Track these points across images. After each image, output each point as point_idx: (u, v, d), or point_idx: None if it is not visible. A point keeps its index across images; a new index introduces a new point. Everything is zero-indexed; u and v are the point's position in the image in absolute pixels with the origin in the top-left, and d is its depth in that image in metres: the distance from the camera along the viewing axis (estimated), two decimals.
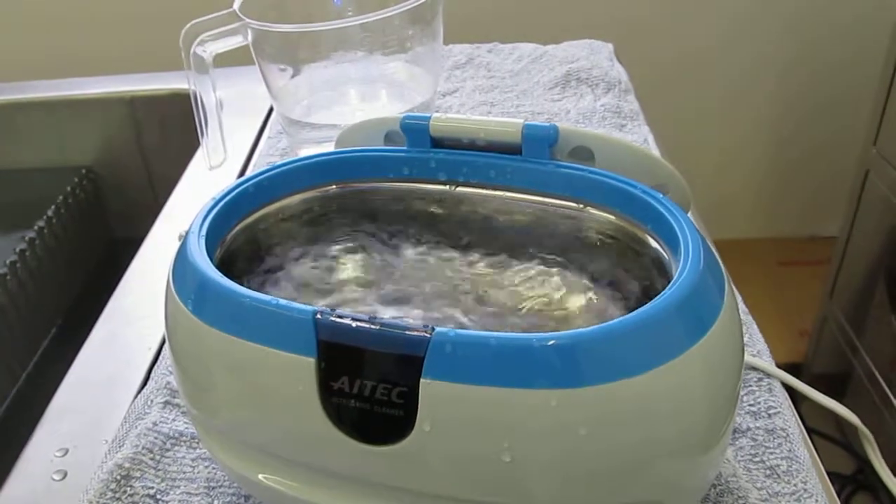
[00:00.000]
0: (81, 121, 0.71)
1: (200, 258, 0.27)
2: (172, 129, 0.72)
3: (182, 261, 0.28)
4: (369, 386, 0.24)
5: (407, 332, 0.23)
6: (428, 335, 0.23)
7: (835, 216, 1.10)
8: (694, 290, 0.24)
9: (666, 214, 0.28)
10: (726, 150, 1.18)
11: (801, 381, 1.16)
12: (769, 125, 1.16)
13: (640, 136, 0.58)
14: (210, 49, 0.51)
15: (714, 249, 0.27)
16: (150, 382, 0.39)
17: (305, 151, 0.56)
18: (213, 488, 0.33)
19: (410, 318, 0.31)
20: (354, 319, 0.24)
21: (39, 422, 0.37)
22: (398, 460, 0.24)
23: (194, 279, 0.26)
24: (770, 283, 1.08)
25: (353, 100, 0.57)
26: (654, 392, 0.23)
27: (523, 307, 0.30)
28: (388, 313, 0.31)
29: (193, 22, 0.50)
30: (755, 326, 0.41)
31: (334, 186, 0.33)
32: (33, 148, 0.72)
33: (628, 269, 0.30)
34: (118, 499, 0.33)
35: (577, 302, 0.30)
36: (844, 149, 1.08)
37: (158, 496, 0.33)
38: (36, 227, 0.65)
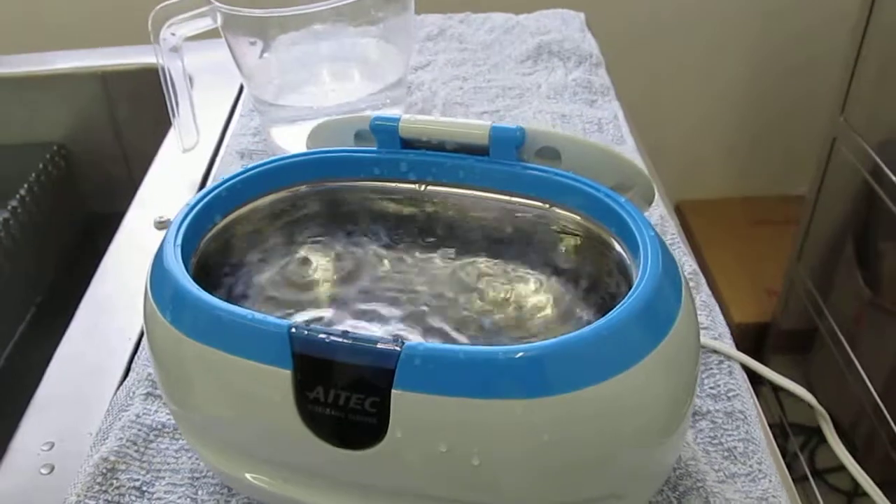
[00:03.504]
0: (52, 96, 0.70)
1: (177, 269, 0.27)
2: (145, 104, 0.71)
3: (159, 270, 0.28)
4: (343, 396, 0.25)
5: (378, 346, 0.24)
6: (398, 349, 0.24)
7: (806, 176, 1.12)
8: (653, 296, 0.25)
9: (626, 218, 0.29)
10: (698, 112, 1.19)
11: (768, 340, 1.19)
12: (741, 87, 1.17)
13: (609, 112, 0.58)
14: (179, 33, 0.51)
15: (671, 253, 0.28)
16: (131, 373, 0.40)
17: (277, 131, 0.56)
18: (197, 479, 0.35)
19: (380, 317, 0.32)
20: (328, 334, 0.25)
21: (24, 414, 0.38)
22: (372, 462, 0.25)
23: (172, 290, 0.27)
24: (741, 243, 1.10)
25: (325, 79, 0.57)
26: (617, 397, 0.24)
27: (490, 307, 0.31)
28: (357, 315, 0.32)
29: (162, 5, 0.50)
30: (717, 309, 0.42)
31: (305, 187, 0.34)
32: (3, 124, 0.71)
33: (591, 268, 0.31)
34: (105, 491, 0.34)
35: (541, 301, 0.31)
36: (815, 111, 1.09)
37: (144, 488, 0.34)
38: (9, 207, 0.65)
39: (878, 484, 0.40)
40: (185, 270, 0.28)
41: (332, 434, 0.25)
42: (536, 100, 0.60)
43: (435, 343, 0.28)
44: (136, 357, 0.41)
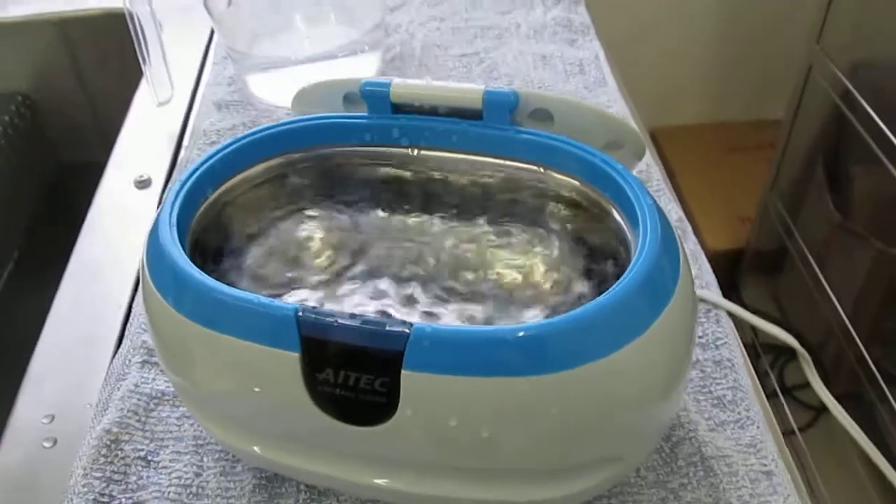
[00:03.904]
0: (10, 46, 0.67)
1: (178, 253, 0.27)
2: (109, 49, 0.69)
3: (157, 252, 0.28)
4: (353, 377, 0.25)
5: (387, 329, 0.24)
6: (407, 331, 0.24)
7: (779, 102, 1.12)
8: (653, 268, 0.26)
9: (624, 185, 0.29)
10: (674, 37, 1.18)
11: (742, 265, 1.21)
12: (715, 12, 1.16)
13: (590, 53, 0.58)
14: None
15: (668, 220, 0.28)
16: (125, 341, 0.40)
17: (253, 79, 0.55)
18: (201, 446, 0.35)
19: (379, 285, 0.32)
20: (335, 317, 0.25)
21: (20, 387, 0.38)
22: (382, 437, 0.26)
23: (173, 275, 0.27)
24: (715, 170, 1.11)
25: (299, 25, 0.55)
26: (622, 369, 0.25)
27: (488, 274, 0.31)
28: (360, 285, 0.32)
29: None
30: (703, 257, 0.43)
31: (296, 154, 0.34)
32: None
33: (588, 234, 0.31)
34: (111, 462, 0.34)
35: (539, 268, 0.32)
36: (789, 36, 1.09)
37: (149, 457, 0.35)
38: None
39: (844, 396, 0.42)
40: (184, 254, 0.27)
41: (342, 412, 0.26)
42: (516, 40, 0.59)
43: (442, 324, 0.28)
44: (128, 324, 0.40)
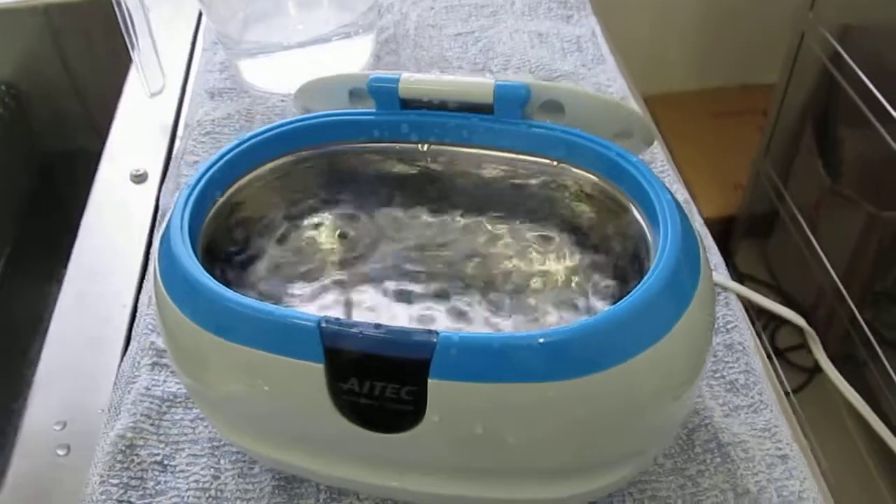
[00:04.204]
0: None
1: (193, 265, 0.27)
2: (95, 36, 0.68)
3: (171, 265, 0.27)
4: (378, 386, 0.25)
5: (413, 338, 0.24)
6: (433, 340, 0.24)
7: (766, 64, 1.12)
8: (676, 268, 0.26)
9: (641, 180, 0.29)
10: (659, 2, 1.17)
11: (735, 232, 1.21)
12: None
13: (587, 29, 0.57)
14: None
15: (690, 218, 0.28)
16: (132, 343, 0.39)
17: (246, 66, 0.54)
18: (217, 448, 0.35)
19: (398, 286, 0.32)
20: (359, 327, 0.25)
21: (30, 394, 0.37)
22: (408, 443, 0.26)
23: (190, 287, 0.26)
24: (706, 136, 1.11)
25: (290, 9, 0.54)
26: (646, 370, 0.25)
27: (506, 272, 0.31)
28: (376, 284, 0.32)
29: None
30: (710, 238, 0.43)
31: (305, 153, 0.33)
32: None
33: (607, 230, 0.31)
34: (127, 468, 0.34)
35: (556, 266, 0.31)
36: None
37: (165, 462, 0.35)
38: None
39: (836, 357, 0.43)
40: (199, 265, 0.27)
41: (366, 420, 0.26)
42: (511, 18, 0.58)
43: (469, 332, 0.28)
44: (134, 325, 0.40)
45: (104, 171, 0.49)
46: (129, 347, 0.39)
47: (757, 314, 1.20)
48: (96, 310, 0.41)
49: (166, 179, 0.48)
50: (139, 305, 0.41)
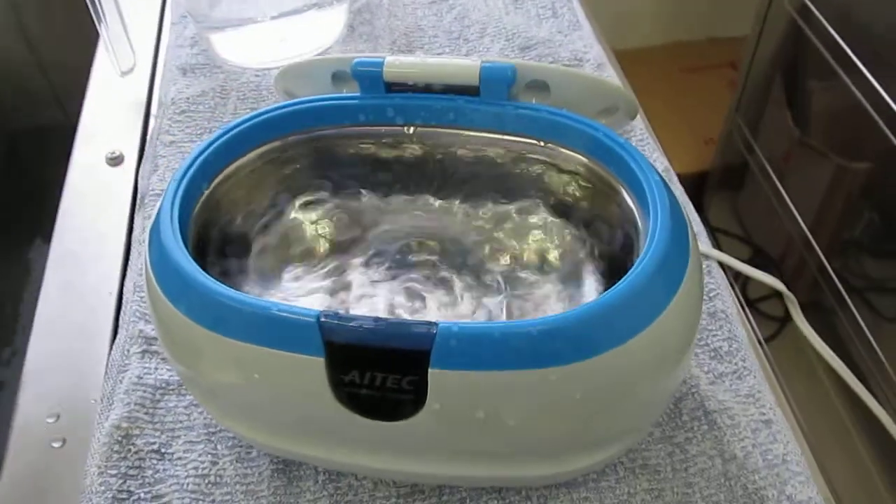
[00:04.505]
0: None
1: (187, 262, 0.26)
2: (55, 8, 0.66)
3: (163, 259, 0.27)
4: (379, 377, 0.25)
5: (412, 330, 0.25)
6: (433, 331, 0.24)
7: (734, 16, 1.12)
8: (666, 251, 0.26)
9: (629, 160, 0.29)
10: None
11: (708, 186, 1.22)
12: None
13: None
14: None
15: (677, 196, 0.29)
16: (120, 331, 0.39)
17: (217, 39, 0.53)
18: (213, 434, 0.35)
19: (391, 270, 0.32)
20: (358, 320, 0.25)
21: (20, 387, 0.37)
22: (408, 430, 0.26)
23: (185, 285, 0.26)
24: (675, 91, 1.11)
25: None
26: (641, 351, 0.25)
27: (497, 253, 0.32)
28: (365, 271, 0.32)
29: None
30: (691, 206, 0.43)
31: (291, 139, 0.33)
32: None
33: (596, 210, 0.31)
34: (125, 458, 0.34)
35: (547, 245, 0.32)
36: None
37: (163, 449, 0.35)
38: None
39: (805, 304, 0.44)
40: (192, 260, 0.27)
41: (368, 409, 0.26)
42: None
43: (467, 322, 0.28)
44: (121, 313, 0.40)
45: (79, 155, 0.48)
46: (118, 336, 0.39)
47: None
48: (80, 299, 0.41)
49: (143, 161, 0.47)
50: (124, 292, 0.41)
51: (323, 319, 0.25)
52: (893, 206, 0.86)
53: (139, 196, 0.45)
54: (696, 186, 1.10)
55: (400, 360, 0.25)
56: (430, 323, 0.24)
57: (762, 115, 1.06)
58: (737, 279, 1.16)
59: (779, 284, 0.42)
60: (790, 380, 1.01)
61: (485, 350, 0.24)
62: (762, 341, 1.09)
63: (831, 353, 0.44)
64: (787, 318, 1.10)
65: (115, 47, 0.49)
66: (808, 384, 1.01)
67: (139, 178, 0.46)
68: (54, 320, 0.40)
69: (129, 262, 0.42)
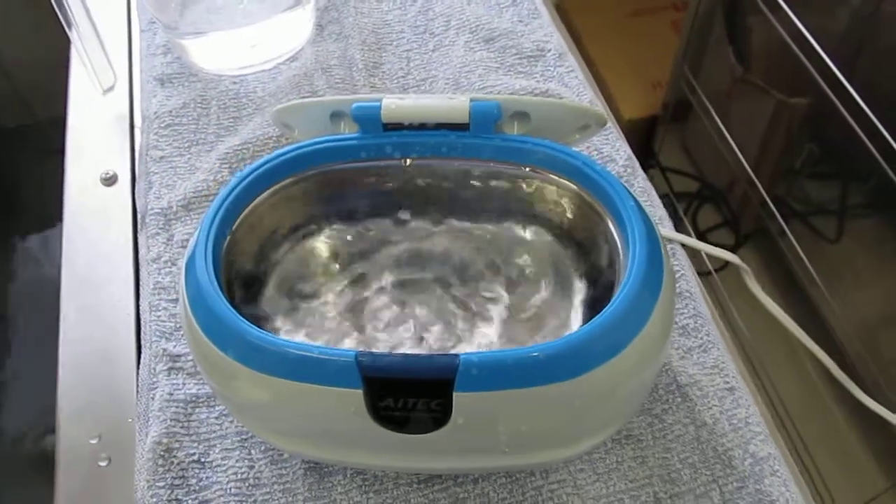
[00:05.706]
0: None
1: (229, 312, 0.30)
2: (12, 7, 0.65)
3: (203, 307, 0.31)
4: (411, 402, 0.29)
5: (438, 362, 0.29)
6: (456, 363, 0.28)
7: None
8: (644, 276, 0.30)
9: (607, 188, 0.33)
10: None
11: (657, 129, 1.26)
12: None
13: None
14: None
15: (651, 220, 0.33)
16: (144, 351, 0.42)
17: (191, 45, 0.54)
18: (245, 440, 0.39)
19: (401, 297, 0.36)
20: (389, 357, 0.29)
21: (56, 411, 0.40)
22: (435, 440, 0.31)
23: (229, 330, 0.30)
24: (621, 36, 1.14)
25: None
26: (627, 362, 0.30)
27: (496, 269, 0.36)
28: (378, 295, 0.36)
29: None
30: (654, 192, 0.48)
31: (299, 178, 0.36)
32: None
33: (580, 232, 0.35)
34: (169, 470, 0.38)
35: (536, 269, 0.36)
36: None
37: (202, 459, 0.39)
38: None
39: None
40: (230, 306, 0.30)
41: (400, 426, 0.30)
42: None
43: (484, 352, 0.32)
44: (142, 333, 0.43)
45: (72, 177, 0.50)
46: (142, 356, 0.42)
47: (677, 196, 1.28)
48: (99, 321, 0.44)
49: (137, 179, 0.49)
50: (141, 312, 0.44)
51: (360, 359, 0.29)
52: (832, 137, 0.91)
53: (139, 216, 0.47)
54: (648, 129, 1.14)
55: (429, 388, 0.29)
56: (453, 355, 0.29)
57: (705, 53, 1.10)
58: (686, 211, 1.22)
59: (735, 258, 0.47)
60: (739, 305, 1.08)
61: (499, 374, 0.29)
62: (712, 271, 1.16)
63: (783, 313, 0.49)
64: (736, 245, 1.17)
65: (97, 66, 0.50)
66: (756, 309, 1.08)
67: (136, 197, 0.48)
68: (78, 345, 0.43)
69: (141, 282, 0.45)
